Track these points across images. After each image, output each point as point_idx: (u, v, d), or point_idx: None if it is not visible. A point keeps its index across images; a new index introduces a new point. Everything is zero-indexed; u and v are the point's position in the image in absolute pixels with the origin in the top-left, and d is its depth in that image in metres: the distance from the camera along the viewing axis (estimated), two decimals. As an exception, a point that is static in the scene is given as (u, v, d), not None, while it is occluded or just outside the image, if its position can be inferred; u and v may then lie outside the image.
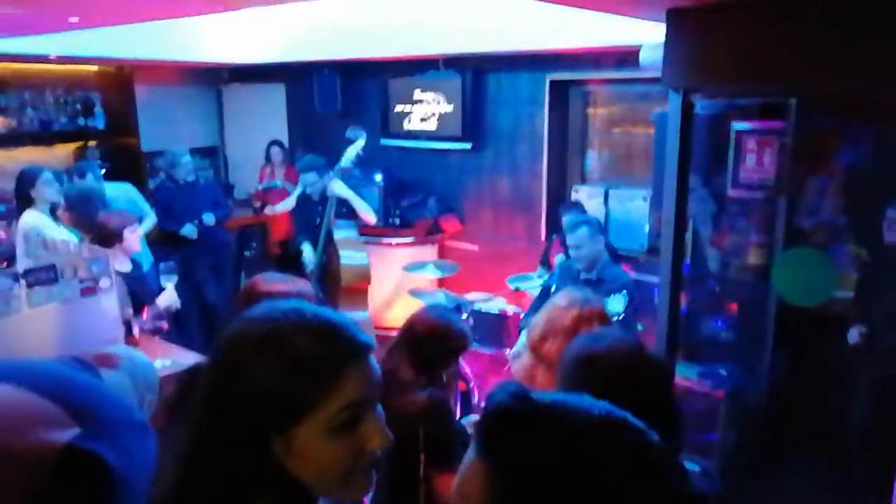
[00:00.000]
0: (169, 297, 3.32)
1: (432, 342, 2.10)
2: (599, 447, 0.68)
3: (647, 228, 4.86)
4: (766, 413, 3.83)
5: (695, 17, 2.50)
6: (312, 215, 4.83)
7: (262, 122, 6.72)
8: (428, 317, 2.10)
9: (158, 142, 6.24)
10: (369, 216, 4.82)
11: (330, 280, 4.75)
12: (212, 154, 7.18)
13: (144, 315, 3.14)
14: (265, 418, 0.86)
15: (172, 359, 2.93)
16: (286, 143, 6.47)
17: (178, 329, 3.80)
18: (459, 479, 0.73)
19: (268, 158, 6.25)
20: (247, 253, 5.97)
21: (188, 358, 2.97)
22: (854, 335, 3.48)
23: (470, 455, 0.73)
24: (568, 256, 4.38)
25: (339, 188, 4.70)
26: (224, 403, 0.88)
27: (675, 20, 2.58)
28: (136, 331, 2.87)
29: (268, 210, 5.80)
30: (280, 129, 6.62)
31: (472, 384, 3.87)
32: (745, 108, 3.99)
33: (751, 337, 4.05)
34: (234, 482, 0.86)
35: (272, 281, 2.07)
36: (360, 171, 5.49)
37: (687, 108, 2.66)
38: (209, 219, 5.12)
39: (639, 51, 3.65)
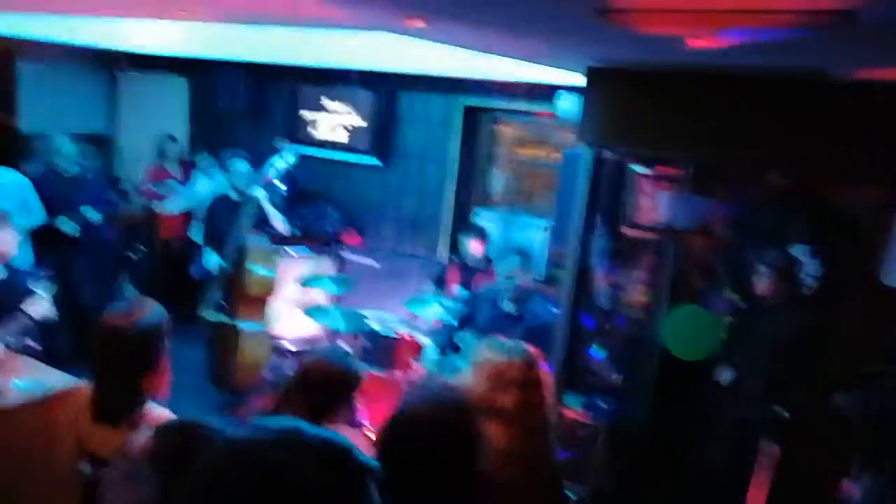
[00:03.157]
0: (44, 309, 3.03)
1: (329, 388, 2.07)
2: None
3: (545, 258, 4.99)
4: (640, 445, 4.03)
5: (612, 79, 2.61)
6: (225, 220, 4.65)
7: (160, 114, 6.33)
8: (324, 364, 2.06)
9: (39, 124, 5.76)
10: (283, 226, 4.82)
11: (235, 288, 4.59)
12: (100, 142, 6.69)
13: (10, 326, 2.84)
14: None
15: (35, 379, 2.65)
16: (186, 139, 6.13)
17: (45, 335, 3.46)
18: None
19: (162, 154, 5.88)
20: (131, 255, 5.56)
21: (52, 377, 2.71)
22: (724, 376, 3.73)
23: None
24: (467, 287, 4.43)
25: (262, 196, 4.59)
26: None
27: (594, 78, 2.67)
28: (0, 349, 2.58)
29: (157, 208, 5.46)
30: (180, 124, 6.26)
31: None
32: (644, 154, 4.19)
33: (632, 372, 4.25)
34: None
35: (119, 314, 1.90)
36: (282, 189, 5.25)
37: (598, 163, 2.76)
38: (91, 214, 4.75)
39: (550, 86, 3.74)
